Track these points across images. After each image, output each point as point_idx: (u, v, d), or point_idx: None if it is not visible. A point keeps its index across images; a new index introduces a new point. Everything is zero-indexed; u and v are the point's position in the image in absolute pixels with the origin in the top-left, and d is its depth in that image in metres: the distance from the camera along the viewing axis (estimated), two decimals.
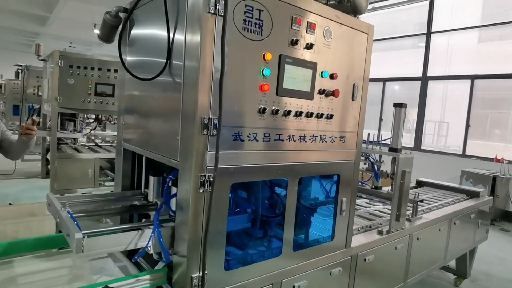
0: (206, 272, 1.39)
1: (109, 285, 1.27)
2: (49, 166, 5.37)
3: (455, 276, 3.85)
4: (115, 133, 5.54)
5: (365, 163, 2.58)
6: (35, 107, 6.56)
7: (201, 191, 1.35)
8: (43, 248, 1.66)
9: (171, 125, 1.48)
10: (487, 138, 8.08)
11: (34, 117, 2.57)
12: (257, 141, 1.52)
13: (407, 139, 8.67)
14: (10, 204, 3.89)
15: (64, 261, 1.64)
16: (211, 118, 1.34)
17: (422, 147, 8.46)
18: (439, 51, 8.51)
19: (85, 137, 6.02)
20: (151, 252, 1.40)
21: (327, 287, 1.98)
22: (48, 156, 5.41)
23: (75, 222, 1.34)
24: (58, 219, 1.44)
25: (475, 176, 6.58)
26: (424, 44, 8.54)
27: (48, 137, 5.69)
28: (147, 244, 1.39)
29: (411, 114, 8.80)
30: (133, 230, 1.37)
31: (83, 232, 1.25)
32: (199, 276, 1.38)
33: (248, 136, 1.49)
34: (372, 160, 2.54)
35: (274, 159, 1.61)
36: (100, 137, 6.49)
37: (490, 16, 7.95)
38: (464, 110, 7.77)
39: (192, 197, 1.34)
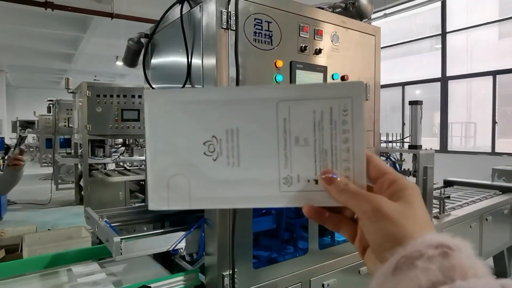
0: (236, 270, 1.46)
1: (147, 285, 1.36)
2: (82, 193, 5.62)
3: (495, 276, 3.71)
4: (142, 158, 5.75)
5: (387, 163, 2.60)
6: (22, 135, 6.87)
7: None
8: (83, 259, 1.78)
9: None
10: None
11: (21, 147, 2.41)
12: None
13: (434, 143, 8.50)
14: (49, 229, 4.10)
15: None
16: None
17: (450, 149, 8.27)
18: (458, 50, 8.41)
19: (114, 163, 6.29)
20: (184, 253, 1.49)
21: (357, 285, 1.99)
22: (81, 183, 5.68)
23: (113, 229, 1.45)
24: (97, 229, 1.56)
25: (508, 173, 6.34)
26: (440, 46, 8.49)
27: (79, 165, 5.99)
28: (179, 240, 1.48)
29: (436, 118, 8.66)
30: (167, 233, 1.47)
31: (120, 237, 1.36)
32: (229, 274, 1.45)
33: None
34: (393, 159, 2.56)
35: None
36: (128, 162, 6.75)
37: (509, 10, 7.82)
38: (490, 108, 7.58)
39: None
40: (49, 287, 1.56)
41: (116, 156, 5.52)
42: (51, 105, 7.63)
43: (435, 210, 2.77)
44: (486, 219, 3.14)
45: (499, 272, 3.71)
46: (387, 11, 7.66)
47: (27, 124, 13.15)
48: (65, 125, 7.14)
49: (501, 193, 3.70)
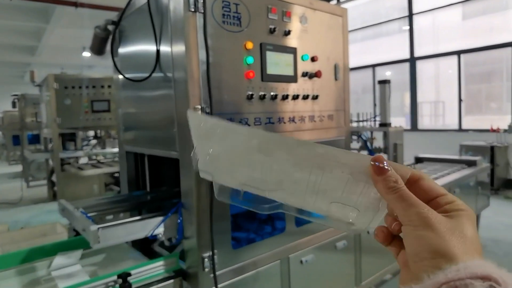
0: (215, 251, 1.48)
1: (127, 272, 1.36)
2: (55, 188, 5.48)
3: None
4: (115, 150, 5.64)
5: (358, 142, 2.68)
6: None
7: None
8: (61, 251, 1.75)
9: (167, 119, 1.58)
10: (484, 112, 8.17)
11: None
12: (248, 125, 1.62)
13: (405, 123, 8.77)
14: (21, 228, 3.98)
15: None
16: (203, 107, 1.45)
17: (420, 128, 8.56)
18: (425, 31, 8.62)
19: (87, 156, 6.13)
20: (163, 238, 1.50)
21: (334, 260, 2.07)
22: (53, 179, 5.52)
23: (90, 219, 1.44)
24: (73, 220, 1.54)
25: (474, 148, 6.65)
26: (408, 27, 8.67)
27: (50, 160, 5.80)
28: (158, 227, 1.48)
29: (406, 98, 8.90)
30: (145, 219, 1.47)
31: (98, 225, 1.35)
32: (209, 255, 1.48)
33: (239, 122, 1.59)
34: (364, 137, 2.64)
35: None
36: (101, 155, 6.60)
37: None
38: (457, 87, 7.87)
39: (194, 182, 1.44)
40: (26, 282, 1.53)
41: (89, 149, 5.39)
42: (16, 100, 7.32)
43: None
44: (454, 191, 3.29)
45: None
46: None
47: None
48: (32, 120, 6.88)
49: (467, 166, 3.88)
